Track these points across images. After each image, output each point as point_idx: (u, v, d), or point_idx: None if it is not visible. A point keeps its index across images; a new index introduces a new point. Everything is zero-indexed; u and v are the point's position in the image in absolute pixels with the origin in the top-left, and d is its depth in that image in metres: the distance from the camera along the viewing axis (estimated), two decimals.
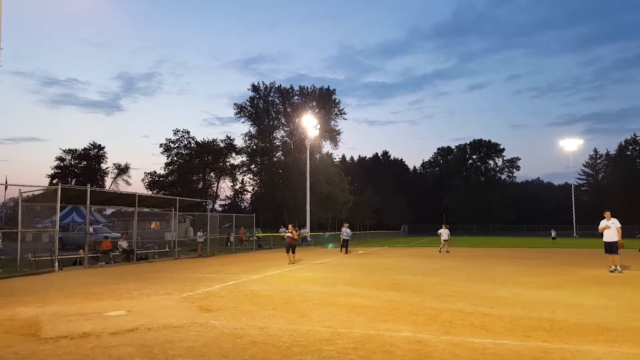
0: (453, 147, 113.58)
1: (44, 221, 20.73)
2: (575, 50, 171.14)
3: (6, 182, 14.87)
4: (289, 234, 17.46)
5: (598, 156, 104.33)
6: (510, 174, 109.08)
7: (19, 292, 10.01)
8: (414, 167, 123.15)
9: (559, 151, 75.00)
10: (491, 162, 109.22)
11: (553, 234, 47.39)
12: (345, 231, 25.50)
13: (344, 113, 71.16)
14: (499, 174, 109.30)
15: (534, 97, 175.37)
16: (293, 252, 17.28)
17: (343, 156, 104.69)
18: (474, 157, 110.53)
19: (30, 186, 17.07)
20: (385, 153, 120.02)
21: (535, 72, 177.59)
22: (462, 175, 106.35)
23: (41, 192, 18.54)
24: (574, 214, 67.44)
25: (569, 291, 10.11)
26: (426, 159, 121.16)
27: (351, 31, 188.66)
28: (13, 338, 5.82)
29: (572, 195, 69.54)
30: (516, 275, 13.44)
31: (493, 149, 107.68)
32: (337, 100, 70.55)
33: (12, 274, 13.58)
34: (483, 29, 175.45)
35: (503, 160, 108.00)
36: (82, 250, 17.65)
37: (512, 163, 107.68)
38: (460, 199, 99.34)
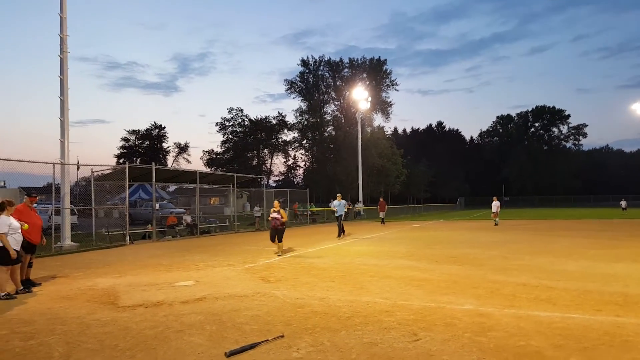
0: (513, 114, 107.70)
1: (113, 198, 22.19)
2: None
3: (78, 162, 15.93)
4: (275, 214, 12.27)
5: None
6: (577, 142, 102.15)
7: (96, 264, 10.85)
8: (471, 138, 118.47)
9: (631, 116, 69.80)
10: (555, 129, 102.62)
11: (623, 204, 44.27)
12: (338, 204, 18.58)
13: (396, 84, 69.38)
14: (563, 142, 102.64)
15: (602, 58, 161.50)
16: (279, 240, 12.19)
17: (395, 128, 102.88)
18: (537, 124, 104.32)
19: (101, 165, 18.28)
20: (440, 124, 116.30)
21: (604, 31, 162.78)
22: (524, 145, 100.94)
23: (110, 171, 19.79)
24: None
25: None
26: (484, 129, 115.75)
27: None
28: (94, 306, 6.34)
29: None
30: (583, 248, 12.78)
31: (557, 115, 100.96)
32: (388, 71, 68.89)
33: (88, 248, 14.74)
34: None
35: (568, 127, 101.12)
36: (150, 225, 18.76)
37: (579, 130, 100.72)
38: (521, 169, 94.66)
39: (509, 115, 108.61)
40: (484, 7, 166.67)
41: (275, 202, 12.72)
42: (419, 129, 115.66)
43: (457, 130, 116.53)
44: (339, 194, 19.61)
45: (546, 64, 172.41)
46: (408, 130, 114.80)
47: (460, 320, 5.23)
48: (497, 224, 24.16)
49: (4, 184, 19.42)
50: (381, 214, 28.86)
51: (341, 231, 17.81)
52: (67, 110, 15.66)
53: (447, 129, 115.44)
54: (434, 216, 41.20)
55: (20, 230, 7.18)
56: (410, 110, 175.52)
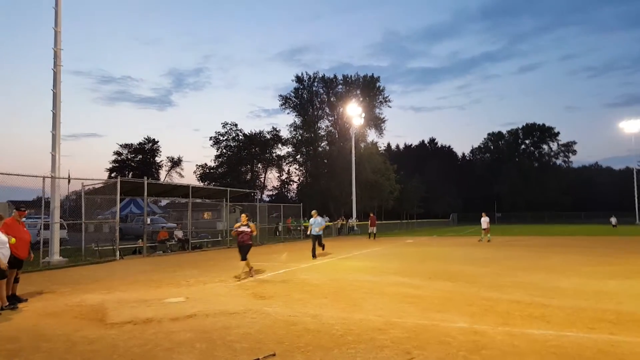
0: (504, 132, 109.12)
1: (104, 212, 21.89)
2: (635, 26, 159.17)
3: (69, 176, 15.85)
4: (244, 227, 10.79)
5: None
6: (566, 159, 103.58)
7: (85, 280, 10.65)
8: (463, 154, 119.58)
9: (619, 134, 70.02)
10: (545, 146, 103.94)
11: (613, 221, 44.59)
12: (315, 222, 16.15)
13: (389, 100, 70.05)
14: (553, 159, 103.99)
15: (590, 77, 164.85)
16: (243, 258, 10.52)
17: (388, 144, 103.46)
18: (527, 141, 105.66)
19: (92, 179, 18.12)
20: (432, 140, 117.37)
21: (591, 51, 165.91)
22: (514, 161, 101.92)
23: (101, 185, 19.58)
24: (636, 200, 63.10)
25: (636, 281, 9.52)
26: (475, 145, 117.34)
27: (395, 17, 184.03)
28: (82, 323, 6.20)
29: (635, 180, 64.74)
30: (576, 264, 12.79)
31: (547, 132, 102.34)
32: (381, 88, 69.53)
33: (77, 263, 14.49)
34: (534, 7, 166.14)
35: (558, 144, 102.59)
36: (140, 240, 18.53)
37: (568, 147, 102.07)
38: (513, 186, 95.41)
39: (499, 132, 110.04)
40: (475, 26, 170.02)
41: (243, 216, 11.22)
42: (412, 145, 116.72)
43: (450, 146, 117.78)
44: (314, 211, 16.83)
45: (535, 82, 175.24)
46: (401, 146, 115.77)
47: (454, 339, 5.17)
48: (490, 240, 24.17)
49: None
50: (371, 229, 29.24)
51: (316, 250, 15.45)
52: (59, 123, 15.54)
53: (440, 145, 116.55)
54: (427, 232, 41.22)
55: (7, 245, 7.04)
56: (404, 126, 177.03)
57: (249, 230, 10.75)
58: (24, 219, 8.17)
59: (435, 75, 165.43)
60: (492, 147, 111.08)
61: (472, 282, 9.65)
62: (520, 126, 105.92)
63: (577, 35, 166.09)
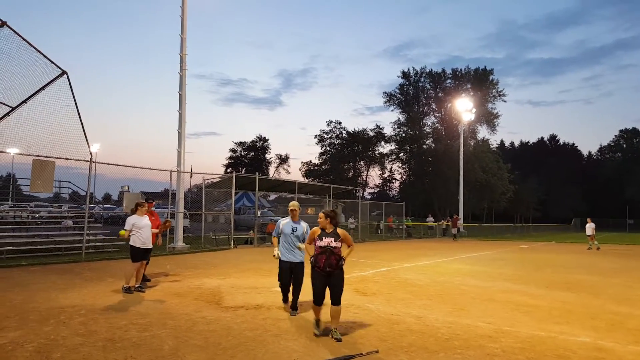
0: None
1: (221, 204, 23.81)
2: None
3: (191, 171, 17.39)
4: (329, 239, 5.27)
5: None
6: None
7: (204, 265, 11.69)
8: (589, 153, 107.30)
9: None
10: None
11: None
12: (297, 229, 7.02)
13: (503, 95, 65.36)
14: None
15: None
16: (336, 302, 5.31)
17: (502, 142, 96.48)
18: None
19: (211, 174, 19.86)
20: (553, 137, 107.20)
21: None
22: None
23: (219, 179, 21.34)
24: None
25: None
26: (604, 143, 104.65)
27: (512, 5, 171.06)
28: (201, 304, 6.81)
29: None
30: None
31: None
32: (495, 81, 65.00)
33: (197, 250, 15.97)
34: None
35: None
36: (252, 231, 19.80)
37: None
38: None
39: (634, 129, 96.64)
40: (606, 12, 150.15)
41: (321, 215, 5.47)
42: (528, 142, 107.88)
43: (573, 144, 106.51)
44: (293, 203, 7.39)
45: None
46: (516, 143, 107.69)
47: (574, 353, 4.70)
48: (599, 248, 22.09)
49: (129, 188, 21.87)
50: (454, 230, 28.90)
51: (286, 293, 6.98)
52: (184, 122, 17.22)
53: (562, 143, 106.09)
54: (545, 237, 37.82)
55: (146, 229, 7.88)
56: (520, 122, 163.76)
57: (337, 245, 5.28)
58: (152, 208, 9.18)
59: (557, 67, 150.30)
60: (624, 146, 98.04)
61: (597, 293, 8.66)
62: None
63: None
